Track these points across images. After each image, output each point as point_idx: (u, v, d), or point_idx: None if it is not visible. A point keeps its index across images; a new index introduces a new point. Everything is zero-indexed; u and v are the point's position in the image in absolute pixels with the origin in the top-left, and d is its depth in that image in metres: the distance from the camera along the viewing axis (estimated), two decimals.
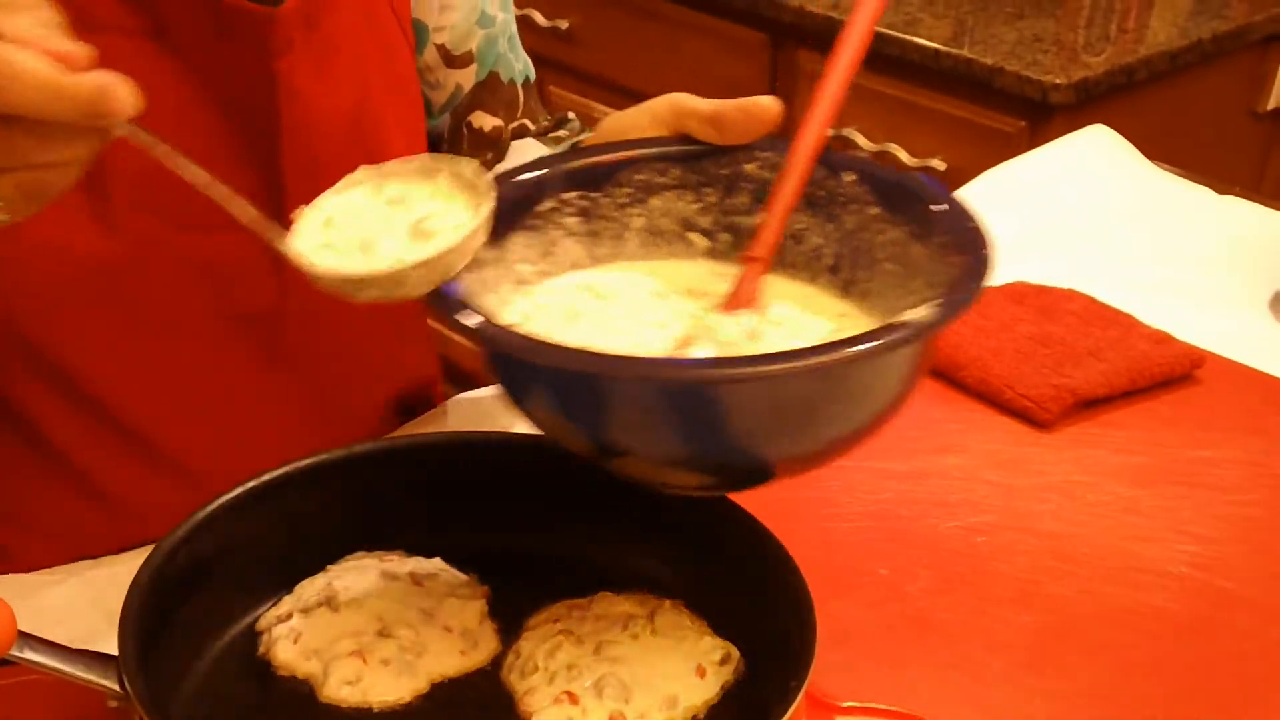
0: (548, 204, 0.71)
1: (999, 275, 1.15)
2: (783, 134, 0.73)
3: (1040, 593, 0.90)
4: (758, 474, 0.65)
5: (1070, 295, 1.18)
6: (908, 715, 0.79)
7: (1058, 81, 1.74)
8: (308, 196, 0.87)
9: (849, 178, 0.71)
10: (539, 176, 0.71)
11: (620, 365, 0.60)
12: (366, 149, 0.90)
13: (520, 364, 0.62)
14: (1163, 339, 1.12)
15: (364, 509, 0.78)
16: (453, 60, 0.98)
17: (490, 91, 1.01)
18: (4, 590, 0.87)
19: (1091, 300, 1.18)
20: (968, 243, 0.66)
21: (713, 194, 0.73)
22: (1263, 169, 2.10)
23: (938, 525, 0.96)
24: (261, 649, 0.73)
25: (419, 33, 0.96)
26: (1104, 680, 0.84)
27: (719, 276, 0.72)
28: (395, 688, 0.70)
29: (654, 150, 0.73)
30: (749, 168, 0.73)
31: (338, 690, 0.70)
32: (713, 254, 0.74)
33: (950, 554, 0.93)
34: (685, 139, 0.73)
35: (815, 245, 0.72)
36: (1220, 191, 1.42)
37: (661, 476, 0.67)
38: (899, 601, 0.90)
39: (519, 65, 1.03)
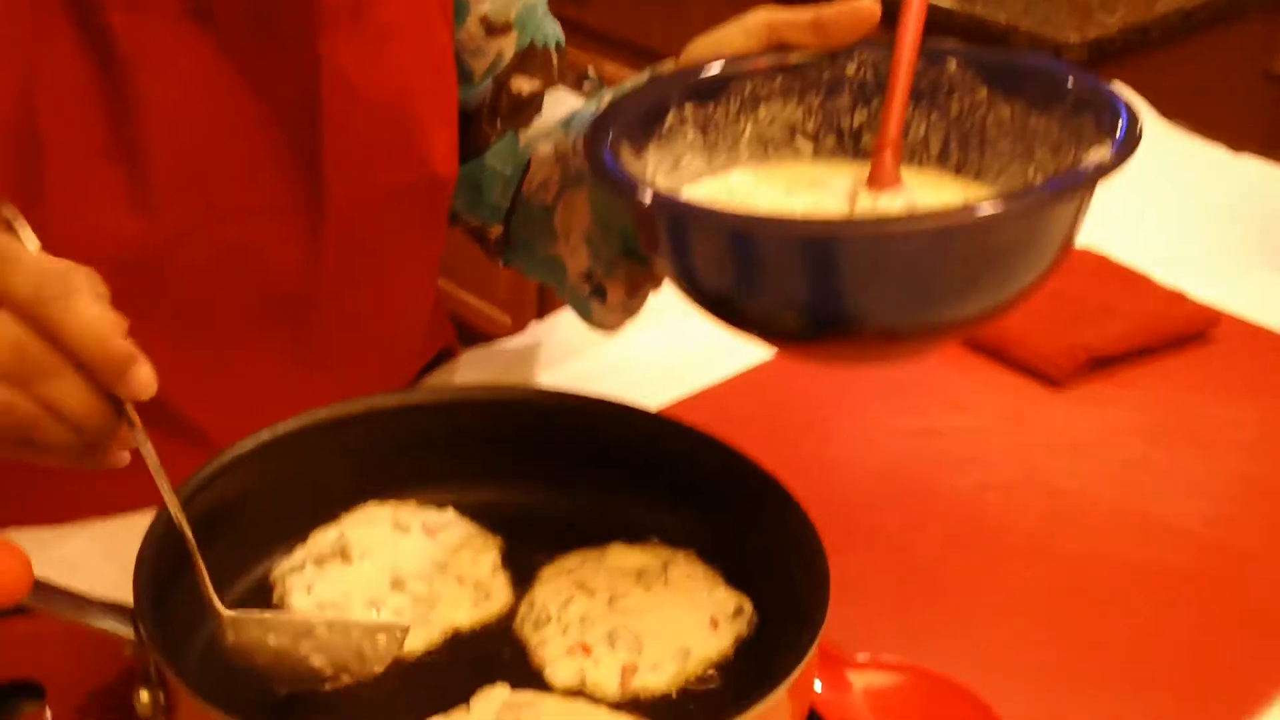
0: (671, 120, 0.74)
1: None
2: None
3: (1051, 549, 0.90)
4: (940, 331, 0.67)
5: (1083, 254, 1.18)
6: (918, 669, 0.79)
7: (1071, 40, 1.73)
8: (347, 184, 0.87)
9: (951, 65, 0.74)
10: (662, 94, 0.74)
11: (872, 225, 0.64)
12: (406, 133, 0.89)
13: (722, 236, 0.64)
14: (1176, 298, 1.12)
15: (377, 460, 0.78)
16: (494, 29, 0.99)
17: (529, 57, 1.01)
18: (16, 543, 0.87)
19: (1104, 259, 1.18)
20: (1102, 101, 0.69)
21: (815, 98, 0.76)
22: (1275, 129, 2.08)
23: (948, 482, 0.96)
24: (275, 599, 0.73)
25: (459, 7, 0.95)
26: (1113, 635, 0.84)
27: (830, 174, 0.75)
28: (410, 638, 0.70)
29: (759, 61, 0.76)
30: (849, 69, 0.76)
31: None
32: (818, 155, 0.77)
33: (960, 510, 0.94)
34: (782, 49, 0.76)
35: (921, 135, 0.75)
36: (1234, 150, 1.41)
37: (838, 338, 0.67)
38: (909, 557, 0.90)
39: (551, 30, 1.03)
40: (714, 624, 0.71)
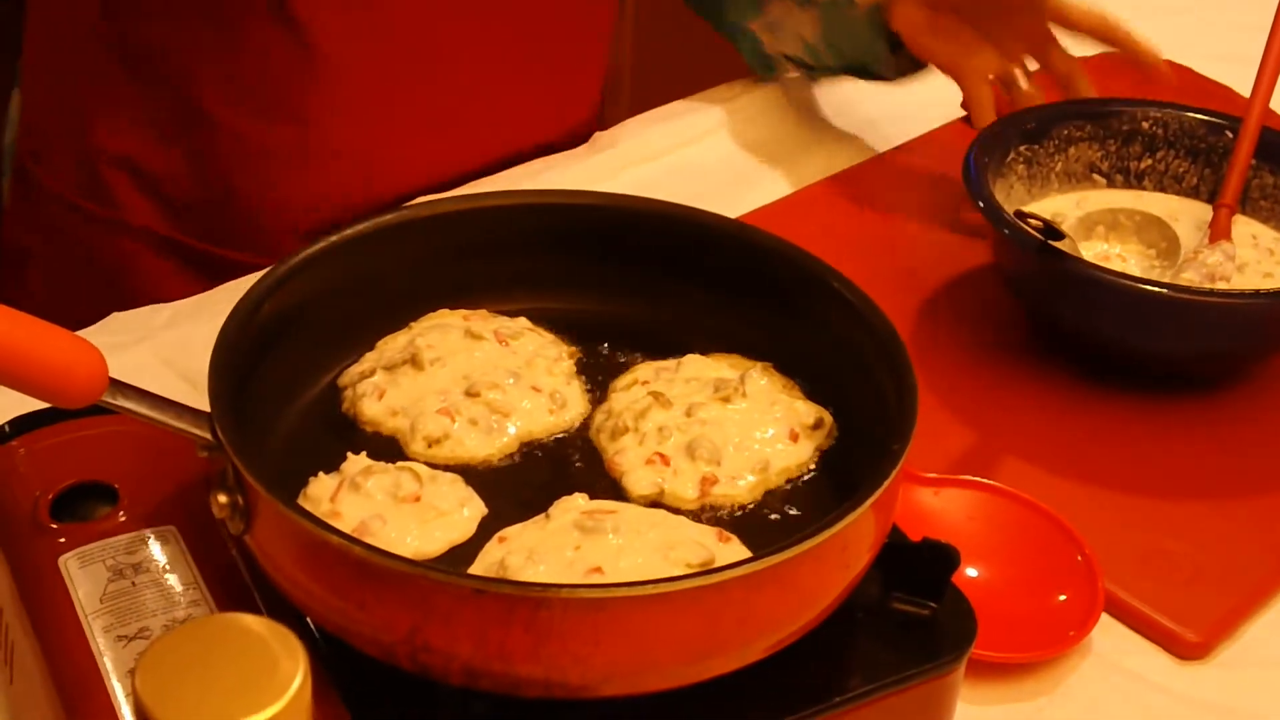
0: (1011, 156, 0.94)
1: (1091, 47, 1.14)
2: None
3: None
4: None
5: (1168, 67, 1.14)
6: (989, 485, 0.78)
7: None
8: None
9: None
10: (1006, 137, 0.95)
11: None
12: None
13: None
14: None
15: (446, 266, 0.76)
16: None
17: None
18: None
19: (1190, 73, 1.14)
20: None
21: (1113, 144, 0.98)
22: None
23: None
24: (345, 405, 0.72)
25: None
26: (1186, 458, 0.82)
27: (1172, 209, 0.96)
28: (484, 446, 0.69)
29: (1075, 107, 0.99)
30: (1144, 125, 0.97)
31: (425, 447, 0.69)
32: (1111, 188, 0.98)
33: None
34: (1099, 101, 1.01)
35: (1193, 183, 0.98)
36: None
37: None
38: (985, 372, 0.88)
39: None
40: (794, 436, 0.70)
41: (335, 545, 0.56)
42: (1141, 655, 0.73)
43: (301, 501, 0.65)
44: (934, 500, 0.77)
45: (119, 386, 0.59)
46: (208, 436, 0.60)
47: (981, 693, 0.70)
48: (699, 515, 0.67)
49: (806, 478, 0.69)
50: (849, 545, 0.59)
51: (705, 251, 0.76)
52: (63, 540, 0.65)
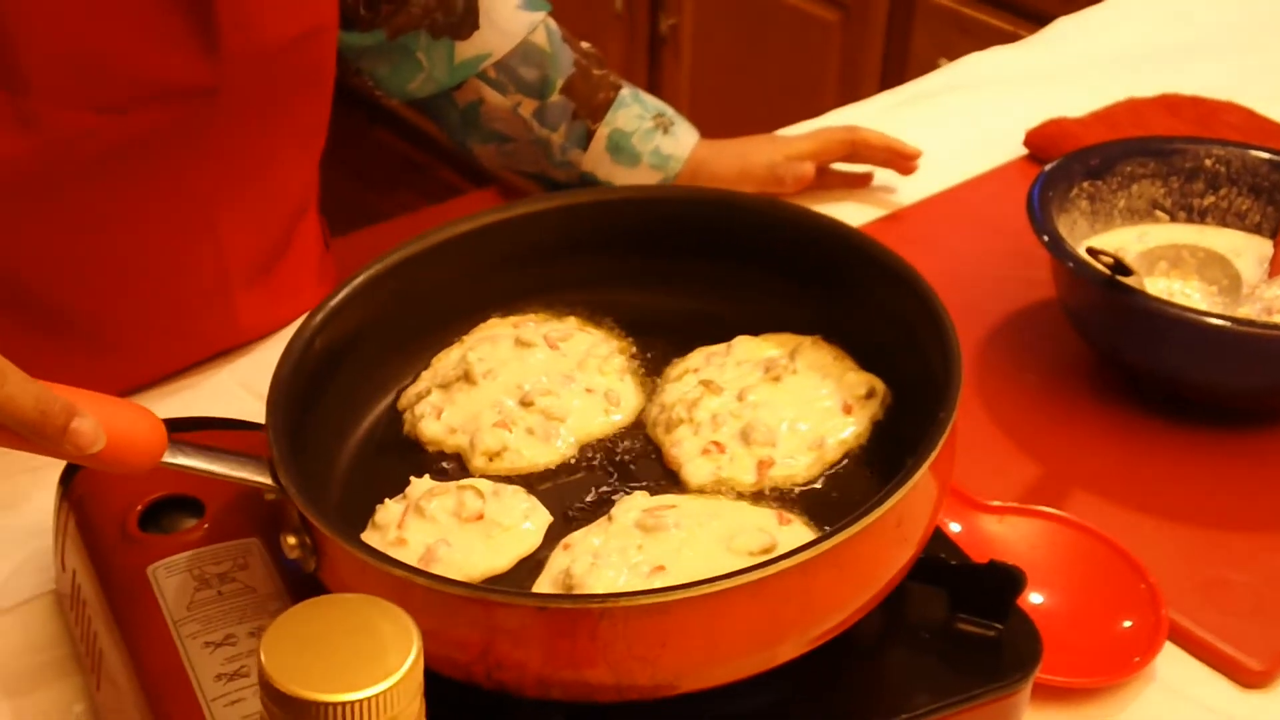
0: (1074, 191, 0.93)
1: (1153, 85, 1.14)
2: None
3: None
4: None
5: (1230, 107, 1.14)
6: (1053, 514, 0.79)
7: None
8: (241, 39, 0.81)
9: None
10: (1070, 173, 0.93)
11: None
12: None
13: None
14: None
15: (492, 277, 0.77)
16: None
17: None
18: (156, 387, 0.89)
19: (1251, 113, 1.14)
20: None
21: (1176, 181, 0.96)
22: None
23: None
24: (406, 428, 0.73)
25: None
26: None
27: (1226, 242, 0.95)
28: (544, 453, 0.70)
29: (1138, 144, 0.96)
30: (1207, 163, 0.96)
31: (486, 461, 0.70)
32: (1174, 223, 0.97)
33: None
34: (1163, 139, 0.98)
35: (1256, 220, 0.96)
36: None
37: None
38: (1045, 401, 0.89)
39: None
40: (848, 409, 0.70)
41: (400, 578, 0.57)
42: (1205, 683, 0.73)
43: (370, 531, 0.67)
44: (999, 528, 0.78)
45: (178, 446, 0.60)
46: (270, 483, 0.62)
47: (1046, 716, 0.70)
48: (759, 498, 0.67)
49: (862, 449, 0.70)
50: (904, 520, 0.60)
51: (748, 233, 0.76)
52: (150, 551, 0.67)
